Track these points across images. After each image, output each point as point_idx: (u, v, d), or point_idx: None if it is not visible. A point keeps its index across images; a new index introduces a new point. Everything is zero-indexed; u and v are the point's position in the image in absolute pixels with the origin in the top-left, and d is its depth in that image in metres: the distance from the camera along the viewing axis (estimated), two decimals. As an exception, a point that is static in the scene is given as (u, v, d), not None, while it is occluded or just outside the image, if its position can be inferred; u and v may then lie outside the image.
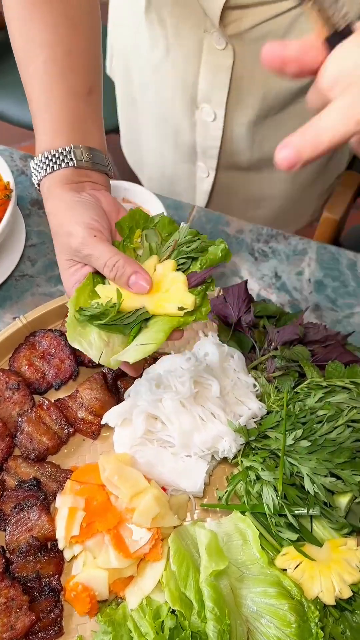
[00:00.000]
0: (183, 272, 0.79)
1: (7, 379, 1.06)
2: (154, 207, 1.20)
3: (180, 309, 0.75)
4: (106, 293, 0.77)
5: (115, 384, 1.06)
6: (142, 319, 0.77)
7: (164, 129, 1.27)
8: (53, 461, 1.01)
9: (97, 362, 0.76)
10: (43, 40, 0.77)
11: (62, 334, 1.08)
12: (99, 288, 0.78)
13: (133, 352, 0.73)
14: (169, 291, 0.76)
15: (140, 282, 0.73)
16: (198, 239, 0.80)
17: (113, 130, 1.64)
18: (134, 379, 1.06)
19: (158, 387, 0.98)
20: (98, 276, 0.79)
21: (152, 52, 1.12)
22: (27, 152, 1.34)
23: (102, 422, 1.01)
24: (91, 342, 0.76)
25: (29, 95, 0.80)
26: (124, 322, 0.76)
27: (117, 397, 1.05)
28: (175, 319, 0.75)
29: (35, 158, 0.80)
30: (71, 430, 1.03)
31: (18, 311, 1.17)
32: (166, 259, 0.80)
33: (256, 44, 0.99)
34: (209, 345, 1.06)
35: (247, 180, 1.27)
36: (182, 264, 0.80)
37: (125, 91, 1.35)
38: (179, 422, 0.95)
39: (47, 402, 1.04)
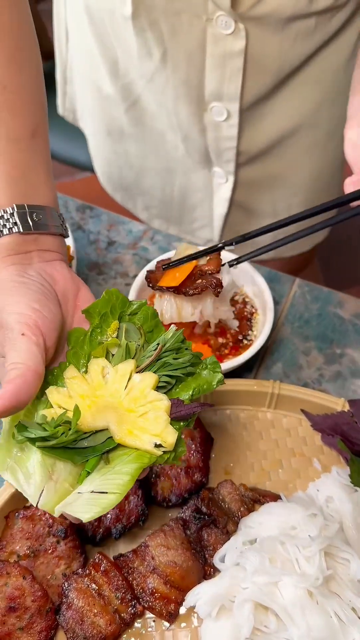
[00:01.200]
0: (165, 393, 0.61)
1: (50, 519, 0.76)
2: (250, 279, 0.92)
3: (158, 446, 0.57)
4: (59, 401, 0.59)
5: (200, 538, 0.76)
6: (104, 450, 0.57)
7: (167, 144, 1.12)
8: (111, 655, 0.70)
9: (36, 506, 0.55)
10: None
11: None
12: (51, 392, 0.59)
13: (86, 505, 0.54)
14: (146, 416, 0.58)
15: None
16: (187, 349, 0.63)
17: (89, 168, 1.50)
18: (225, 532, 0.76)
19: (274, 563, 0.67)
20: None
21: (145, 63, 1.00)
22: (61, 188, 1.09)
23: (186, 605, 0.70)
24: (29, 473, 0.56)
25: None
26: (77, 446, 0.57)
27: (202, 559, 0.75)
28: (146, 456, 0.57)
29: None
30: (138, 607, 0.72)
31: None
32: (145, 367, 0.62)
33: (269, 16, 0.88)
34: (334, 488, 0.76)
35: (269, 167, 1.11)
36: (165, 382, 0.62)
37: (102, 124, 1.20)
38: (306, 622, 0.64)
39: (105, 560, 0.74)
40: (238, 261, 0.77)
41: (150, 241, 1.09)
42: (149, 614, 0.73)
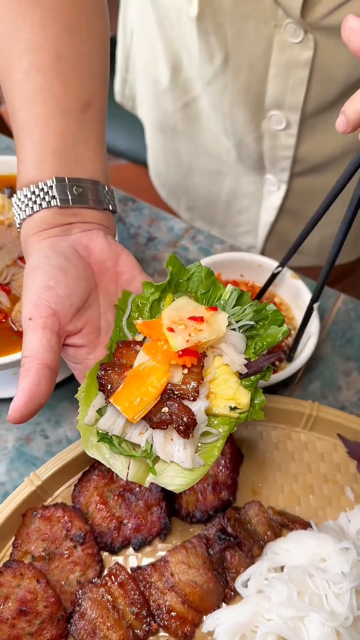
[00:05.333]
0: None
1: (68, 522, 0.74)
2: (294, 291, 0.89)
3: (233, 408, 0.57)
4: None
5: (223, 559, 0.73)
6: None
7: (220, 147, 1.08)
8: (120, 671, 0.67)
9: (126, 479, 0.56)
10: (27, 44, 0.62)
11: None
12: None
13: (175, 477, 0.54)
14: (216, 382, 0.57)
15: (11, 411, 0.54)
16: (251, 305, 0.62)
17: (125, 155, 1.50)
18: (249, 556, 0.73)
19: (302, 597, 0.64)
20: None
21: (205, 66, 0.96)
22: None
23: (204, 630, 0.67)
24: (115, 449, 0.56)
25: (10, 116, 0.65)
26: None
27: (224, 581, 0.72)
28: (226, 421, 0.57)
29: (15, 195, 0.65)
30: (153, 625, 0.69)
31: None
32: None
33: (339, 28, 0.79)
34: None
35: (325, 179, 1.07)
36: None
37: (156, 118, 1.16)
38: (330, 664, 0.60)
39: (122, 571, 0.71)
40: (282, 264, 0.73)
41: (192, 240, 1.05)
42: (162, 633, 0.70)
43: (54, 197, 0.61)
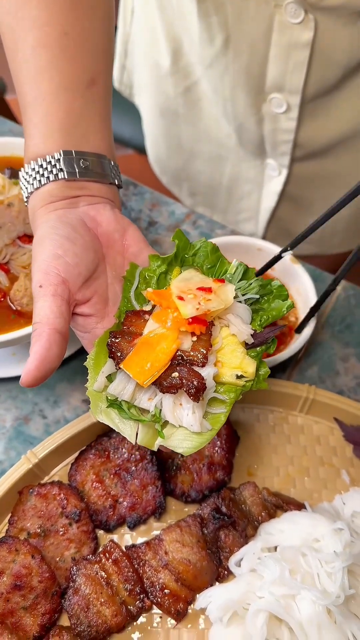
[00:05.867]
0: None
1: (64, 499, 0.74)
2: (296, 278, 0.88)
3: (240, 377, 0.58)
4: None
5: (217, 539, 0.73)
6: None
7: (221, 131, 1.08)
8: (113, 646, 0.68)
9: (135, 443, 0.56)
10: (33, 21, 0.63)
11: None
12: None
13: (183, 441, 0.55)
14: (223, 352, 0.59)
15: (24, 375, 0.54)
16: (256, 280, 0.63)
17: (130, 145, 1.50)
18: (243, 536, 0.73)
19: (294, 575, 0.64)
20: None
21: (206, 48, 0.96)
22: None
23: (197, 606, 0.68)
24: (124, 414, 0.57)
25: (17, 92, 0.66)
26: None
27: (217, 560, 0.72)
28: (232, 389, 0.58)
29: (22, 169, 0.65)
30: (146, 602, 0.70)
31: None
32: None
33: (342, 8, 0.84)
34: (360, 503, 0.72)
35: (326, 165, 1.07)
36: None
37: (157, 103, 1.16)
38: (321, 641, 0.61)
39: (117, 549, 0.71)
40: (291, 246, 0.72)
41: (193, 225, 1.05)
42: (155, 610, 0.70)
43: (61, 169, 0.62)
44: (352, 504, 0.73)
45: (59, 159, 0.62)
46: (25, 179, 0.65)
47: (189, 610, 0.70)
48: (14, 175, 0.85)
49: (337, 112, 0.97)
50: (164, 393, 0.55)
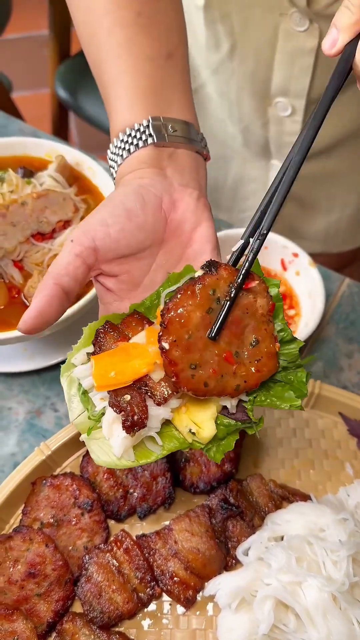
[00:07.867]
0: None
1: (77, 490, 0.76)
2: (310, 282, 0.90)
3: (192, 433, 0.54)
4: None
5: (225, 529, 0.75)
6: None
7: (226, 133, 1.10)
8: (125, 632, 0.70)
9: (71, 422, 0.55)
10: (106, 6, 0.65)
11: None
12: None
13: (105, 455, 0.53)
14: (197, 400, 0.54)
15: (20, 322, 0.54)
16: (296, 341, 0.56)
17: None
18: (251, 526, 0.75)
19: (300, 563, 0.66)
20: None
21: (212, 54, 0.98)
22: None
23: (205, 593, 0.70)
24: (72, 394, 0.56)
25: (97, 77, 0.66)
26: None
27: (225, 549, 0.74)
28: (179, 438, 0.55)
29: (110, 146, 0.65)
30: (156, 589, 0.72)
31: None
32: None
33: None
34: (364, 495, 0.75)
35: (328, 164, 1.09)
36: None
37: None
38: (327, 627, 0.63)
39: (128, 538, 0.73)
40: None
41: (200, 224, 1.07)
42: (165, 597, 0.73)
43: (150, 135, 0.61)
44: (356, 496, 0.75)
45: (147, 125, 0.61)
46: (114, 153, 0.64)
47: (198, 598, 0.72)
48: (27, 174, 0.87)
49: (339, 115, 0.99)
50: (109, 406, 0.52)
